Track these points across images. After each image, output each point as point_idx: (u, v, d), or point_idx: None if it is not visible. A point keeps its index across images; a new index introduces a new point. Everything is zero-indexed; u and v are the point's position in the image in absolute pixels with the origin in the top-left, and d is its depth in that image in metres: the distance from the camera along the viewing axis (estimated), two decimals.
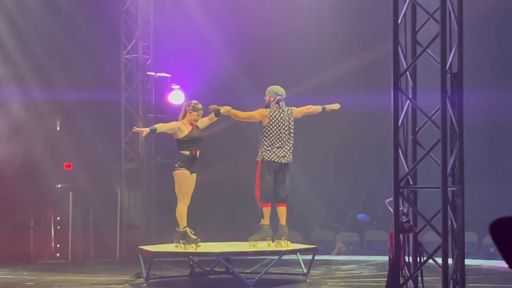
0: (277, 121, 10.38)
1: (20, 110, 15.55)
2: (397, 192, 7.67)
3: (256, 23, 17.38)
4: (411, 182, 8.04)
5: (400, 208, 7.72)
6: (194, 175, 10.26)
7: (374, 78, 16.31)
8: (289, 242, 10.56)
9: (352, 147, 17.95)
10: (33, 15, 15.93)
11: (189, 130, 10.24)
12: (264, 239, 10.43)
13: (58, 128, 16.36)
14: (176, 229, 10.31)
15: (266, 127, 10.36)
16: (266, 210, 10.43)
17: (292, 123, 10.52)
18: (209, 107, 10.50)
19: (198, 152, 10.28)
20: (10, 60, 15.50)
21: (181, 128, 10.20)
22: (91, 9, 16.38)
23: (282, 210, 10.67)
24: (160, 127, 10.27)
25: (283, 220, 10.67)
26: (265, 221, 10.43)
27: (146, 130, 10.26)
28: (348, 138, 17.82)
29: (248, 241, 10.61)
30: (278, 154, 10.33)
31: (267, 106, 10.51)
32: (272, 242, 10.65)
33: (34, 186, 15.64)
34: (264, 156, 10.29)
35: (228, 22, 17.19)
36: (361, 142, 17.85)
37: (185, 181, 10.17)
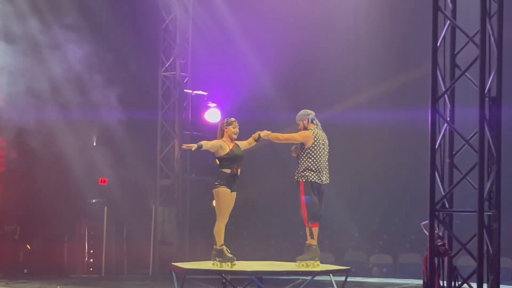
0: (320, 141, 10.26)
1: (58, 126, 15.68)
2: (433, 215, 7.61)
3: (293, 42, 17.39)
4: (447, 206, 7.98)
5: (436, 232, 7.66)
6: (234, 193, 10.22)
7: (410, 99, 16.23)
8: (318, 262, 10.46)
9: (387, 169, 17.84)
10: (72, 30, 16.01)
11: (230, 148, 10.23)
12: (312, 259, 10.30)
13: (94, 144, 16.50)
14: (214, 246, 10.30)
15: (310, 148, 10.18)
16: (315, 230, 10.30)
17: (327, 143, 10.44)
18: (252, 136, 10.42)
19: (239, 170, 10.25)
20: (48, 76, 15.56)
21: (223, 146, 10.19)
22: (130, 26, 16.48)
23: (314, 231, 10.58)
24: (205, 144, 10.26)
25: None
26: (314, 241, 10.30)
27: (194, 146, 10.27)
28: (383, 160, 17.73)
29: (295, 261, 10.51)
30: (321, 175, 10.24)
31: (305, 129, 10.36)
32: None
33: (69, 201, 15.75)
34: (308, 177, 10.15)
35: (264, 41, 17.23)
36: (396, 164, 17.73)
37: (226, 199, 10.13)
